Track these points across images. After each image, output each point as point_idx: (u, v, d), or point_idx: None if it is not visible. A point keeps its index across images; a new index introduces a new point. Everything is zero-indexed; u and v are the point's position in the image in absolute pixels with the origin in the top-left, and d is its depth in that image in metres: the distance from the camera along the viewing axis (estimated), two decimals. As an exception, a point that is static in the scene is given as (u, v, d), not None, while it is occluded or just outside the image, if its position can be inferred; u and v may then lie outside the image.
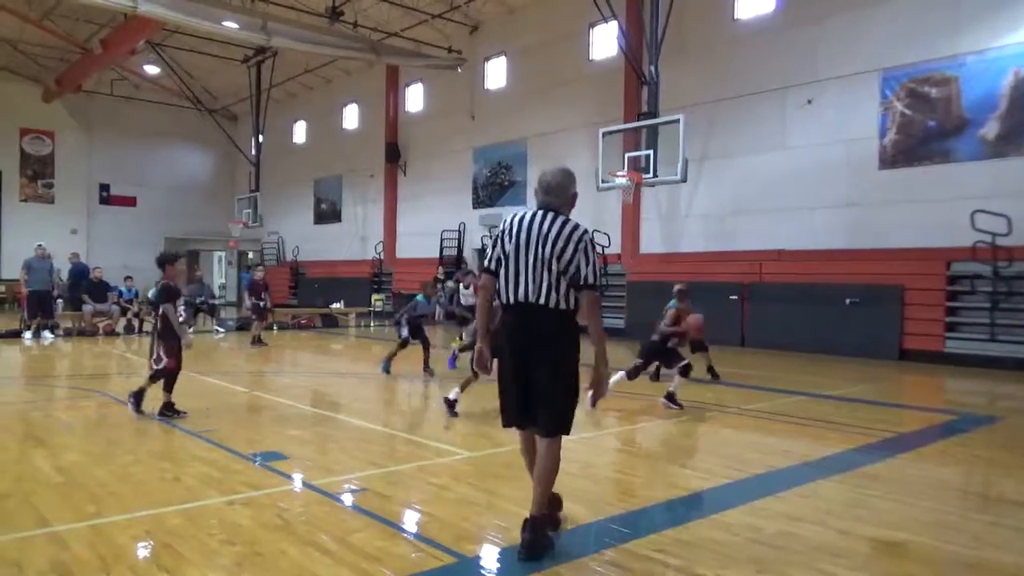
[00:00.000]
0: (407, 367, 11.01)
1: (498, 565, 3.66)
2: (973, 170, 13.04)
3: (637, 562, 3.63)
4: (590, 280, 3.68)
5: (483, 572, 3.60)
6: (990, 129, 12.84)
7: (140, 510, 4.32)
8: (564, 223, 3.74)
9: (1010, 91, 12.61)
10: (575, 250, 3.67)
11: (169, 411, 7.12)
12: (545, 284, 3.66)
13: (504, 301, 3.77)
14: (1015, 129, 12.56)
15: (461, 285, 16.12)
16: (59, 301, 17.53)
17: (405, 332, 10.25)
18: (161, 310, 7.01)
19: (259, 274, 15.71)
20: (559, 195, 3.86)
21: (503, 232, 3.81)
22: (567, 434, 3.78)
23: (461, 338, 15.05)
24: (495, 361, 3.87)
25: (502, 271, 3.77)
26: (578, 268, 3.66)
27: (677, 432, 7.00)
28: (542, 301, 3.66)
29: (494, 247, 3.82)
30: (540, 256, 3.66)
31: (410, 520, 4.32)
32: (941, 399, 10.06)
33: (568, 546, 3.85)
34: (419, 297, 10.47)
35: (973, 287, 12.62)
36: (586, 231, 3.78)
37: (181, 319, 7.24)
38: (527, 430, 3.86)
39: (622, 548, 3.81)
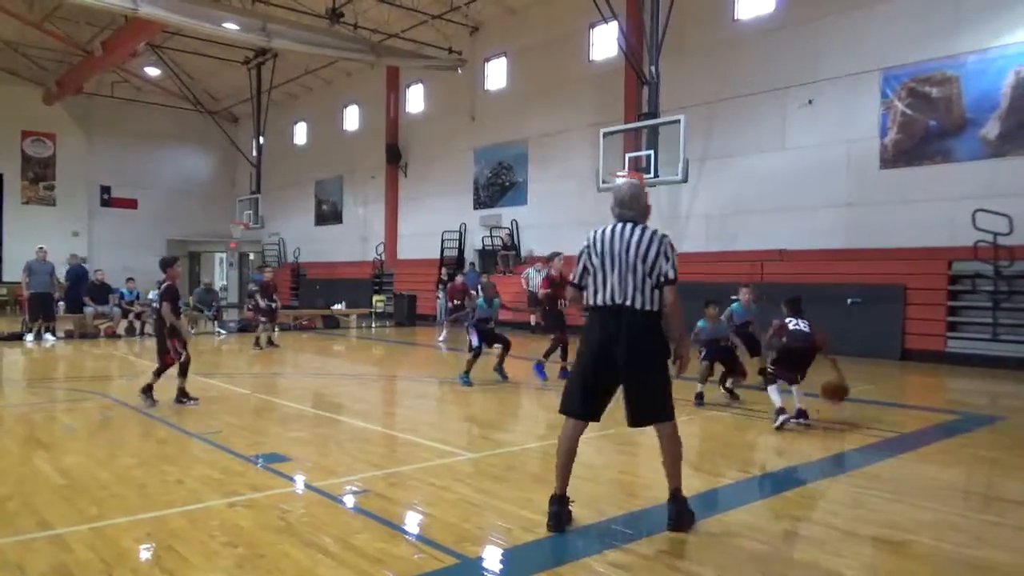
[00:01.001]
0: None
1: (500, 566, 3.66)
2: (974, 169, 13.03)
3: (639, 562, 3.63)
4: (671, 276, 4.05)
5: (485, 573, 3.60)
6: (991, 129, 12.83)
7: (142, 512, 4.32)
8: (643, 230, 4.12)
9: (1011, 90, 12.59)
10: (657, 251, 4.05)
11: (185, 396, 7.93)
12: (631, 287, 4.02)
13: (596, 304, 4.10)
14: (1016, 128, 12.54)
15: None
16: (60, 304, 17.54)
17: (476, 340, 9.77)
18: (164, 308, 7.76)
19: (268, 275, 15.58)
20: (633, 206, 4.22)
21: (589, 247, 4.17)
22: (673, 417, 4.12)
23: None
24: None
25: (590, 280, 4.14)
26: (660, 267, 4.04)
27: (679, 432, 6.99)
28: (637, 304, 4.01)
29: (579, 262, 4.20)
30: (626, 262, 4.04)
31: (412, 521, 4.32)
32: (943, 399, 10.05)
33: (571, 546, 3.85)
34: (479, 301, 10.22)
35: (975, 286, 12.61)
36: (665, 235, 4.15)
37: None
38: (585, 422, 4.15)
39: (625, 549, 3.81)
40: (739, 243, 16.22)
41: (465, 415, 8.36)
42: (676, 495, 4.09)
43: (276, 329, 16.08)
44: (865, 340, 13.50)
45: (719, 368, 8.82)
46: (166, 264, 8.12)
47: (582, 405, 4.11)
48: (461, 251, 23.00)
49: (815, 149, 15.08)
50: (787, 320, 7.57)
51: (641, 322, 4.01)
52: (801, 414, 7.05)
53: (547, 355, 10.13)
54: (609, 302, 4.04)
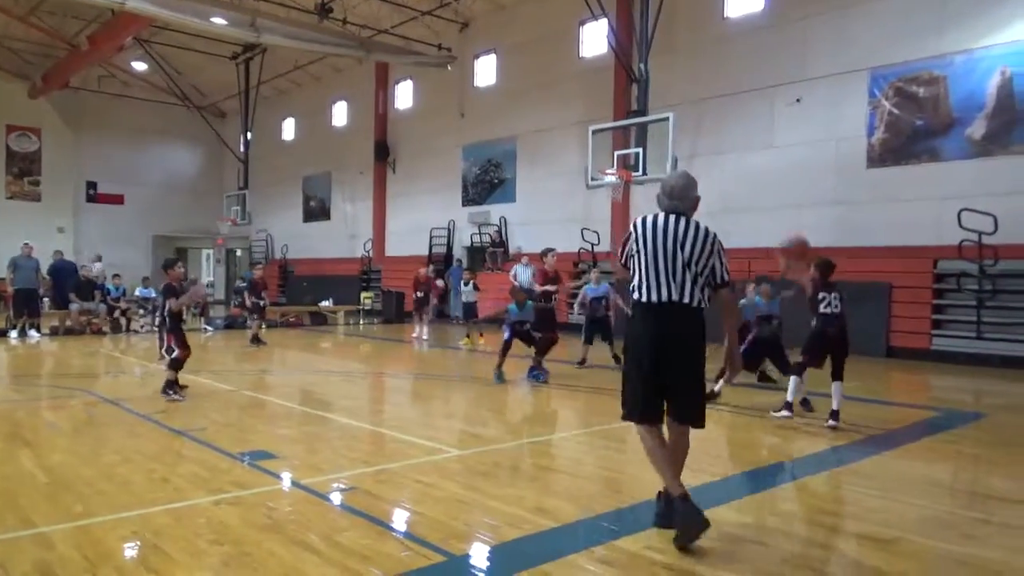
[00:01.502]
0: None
1: (488, 563, 3.65)
2: (960, 169, 13.12)
3: (626, 559, 3.63)
4: (726, 279, 4.01)
5: (473, 571, 3.59)
6: (977, 128, 12.92)
7: (127, 510, 4.28)
8: (697, 227, 3.99)
9: (997, 90, 12.69)
10: (711, 252, 3.97)
11: (171, 389, 8.12)
12: (687, 285, 3.90)
13: (643, 301, 3.96)
14: (1001, 128, 12.64)
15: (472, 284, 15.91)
16: (45, 300, 17.38)
17: (507, 334, 9.82)
18: (167, 306, 8.20)
19: (258, 272, 15.56)
20: (684, 199, 4.08)
21: (635, 234, 4.03)
22: (704, 424, 4.07)
23: (468, 336, 15.03)
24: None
25: (640, 272, 3.98)
26: (714, 269, 3.97)
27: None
28: (685, 300, 3.90)
29: (626, 246, 4.13)
30: (679, 259, 3.90)
31: (399, 519, 4.31)
32: (928, 396, 10.13)
33: (557, 544, 3.85)
34: (511, 307, 9.99)
35: (960, 285, 12.71)
36: (716, 234, 4.06)
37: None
38: (654, 425, 4.00)
39: (611, 545, 3.82)
40: (728, 241, 16.11)
41: (453, 412, 8.35)
42: (674, 497, 3.93)
43: (263, 325, 16.00)
44: (851, 337, 13.55)
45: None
46: (167, 266, 8.64)
47: (645, 408, 3.98)
48: (449, 248, 22.98)
49: (803, 147, 15.15)
50: (819, 297, 7.34)
51: (692, 320, 3.94)
52: (805, 403, 7.44)
53: (541, 356, 9.93)
54: (662, 299, 3.90)
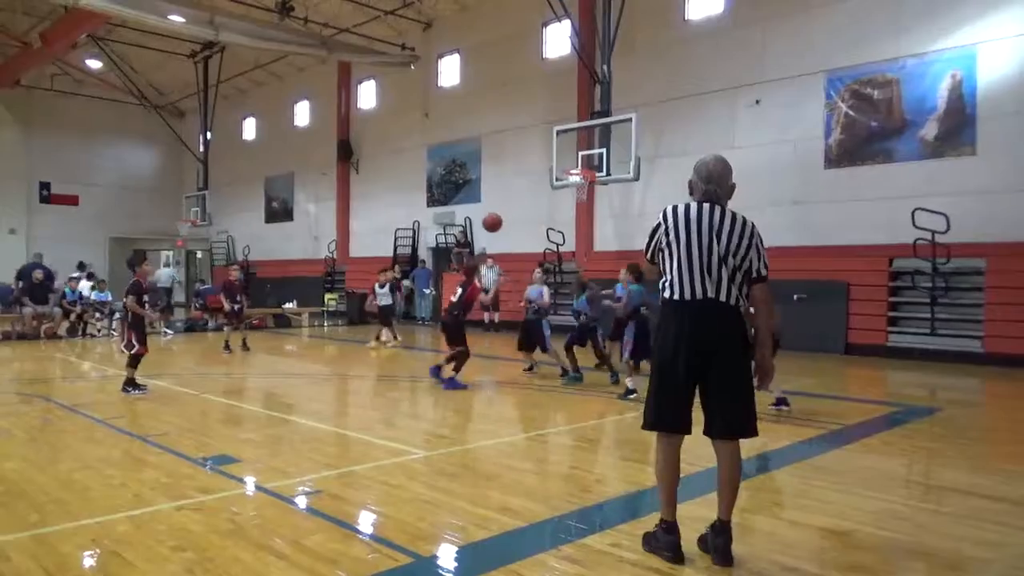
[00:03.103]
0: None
1: (455, 564, 3.66)
2: (913, 170, 13.46)
3: (594, 557, 3.67)
4: (763, 273, 3.69)
5: (440, 571, 3.59)
6: (929, 130, 13.27)
7: (85, 518, 4.20)
8: (734, 218, 3.68)
9: (947, 93, 13.05)
10: (749, 245, 3.65)
11: (132, 386, 8.41)
12: (725, 280, 3.58)
13: (675, 299, 3.60)
14: (952, 130, 13.00)
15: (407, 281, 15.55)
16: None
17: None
18: (128, 300, 8.46)
19: (234, 274, 14.69)
20: (722, 185, 3.75)
21: (666, 227, 3.67)
22: (757, 433, 3.71)
23: (379, 338, 14.79)
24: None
25: (672, 267, 3.62)
26: (751, 262, 3.65)
27: (631, 428, 7.07)
28: (723, 298, 3.57)
29: (653, 238, 3.75)
30: (716, 252, 3.57)
31: (365, 521, 4.29)
32: (885, 392, 10.37)
33: (526, 543, 3.87)
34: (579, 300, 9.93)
35: (914, 283, 13.05)
36: (754, 224, 3.76)
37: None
38: (680, 434, 3.67)
39: (579, 543, 3.85)
40: (690, 241, 16.44)
41: (419, 414, 8.33)
42: (726, 526, 3.62)
43: (225, 328, 15.56)
44: (810, 335, 13.84)
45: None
46: (133, 264, 8.88)
47: (674, 416, 3.62)
48: (415, 249, 22.88)
49: (763, 148, 15.39)
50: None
51: (733, 319, 3.60)
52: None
53: (452, 364, 9.44)
54: (697, 297, 3.55)
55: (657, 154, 16.71)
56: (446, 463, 5.57)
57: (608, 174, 14.73)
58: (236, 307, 13.93)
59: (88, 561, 3.62)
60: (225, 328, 14.22)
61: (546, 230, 18.16)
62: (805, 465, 5.57)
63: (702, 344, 3.55)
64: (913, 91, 13.44)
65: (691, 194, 3.80)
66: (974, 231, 12.45)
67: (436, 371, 9.55)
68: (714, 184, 3.72)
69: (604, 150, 14.72)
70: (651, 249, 3.79)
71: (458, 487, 4.90)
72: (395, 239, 23.05)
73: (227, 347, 13.61)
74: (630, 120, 13.96)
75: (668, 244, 3.64)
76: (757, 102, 15.44)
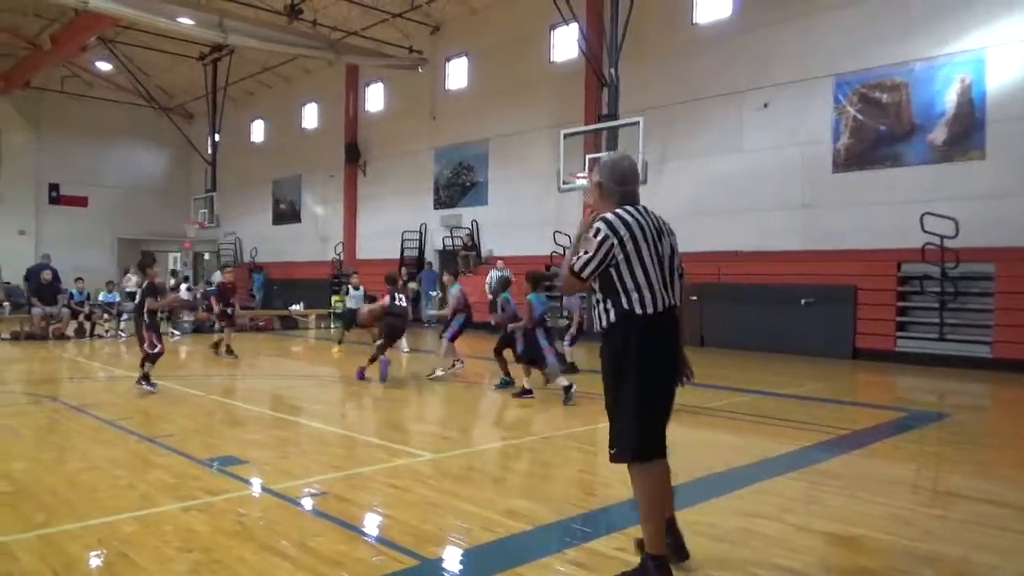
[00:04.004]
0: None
1: (460, 567, 3.65)
2: (922, 174, 13.42)
3: (599, 560, 3.66)
4: (683, 268, 3.59)
5: (445, 574, 3.59)
6: (938, 134, 13.23)
7: (92, 518, 4.21)
8: (660, 217, 3.51)
9: (956, 97, 13.01)
10: (675, 240, 3.54)
11: (147, 381, 8.71)
12: (675, 285, 3.45)
13: (646, 313, 3.30)
14: (961, 134, 12.96)
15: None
16: (6, 304, 17.00)
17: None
18: (149, 301, 8.70)
19: (227, 276, 14.42)
20: (638, 183, 3.54)
21: (618, 237, 3.29)
22: None
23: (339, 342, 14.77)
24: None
25: (633, 279, 3.30)
26: (679, 257, 3.55)
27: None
28: (676, 301, 3.42)
29: (605, 254, 3.30)
30: (666, 255, 3.42)
31: (371, 523, 4.29)
32: (892, 397, 10.32)
33: (531, 546, 3.86)
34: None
35: (922, 288, 12.99)
36: None
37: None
38: (663, 459, 3.41)
39: (583, 547, 3.84)
40: (696, 244, 16.40)
41: (425, 416, 8.34)
42: (674, 524, 3.58)
43: (229, 332, 15.49)
44: (817, 339, 13.83)
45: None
46: (145, 265, 9.17)
47: (661, 437, 3.39)
48: (421, 251, 22.91)
49: (771, 152, 15.37)
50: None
51: (677, 324, 3.44)
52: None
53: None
54: (663, 306, 3.34)
55: (665, 157, 16.69)
56: (452, 466, 5.57)
57: (615, 177, 14.70)
58: (228, 310, 13.65)
59: (95, 561, 3.63)
60: (217, 330, 13.97)
61: (553, 233, 18.17)
62: (812, 470, 5.54)
63: (672, 356, 3.40)
64: (922, 95, 13.40)
65: (599, 198, 3.52)
66: (983, 236, 12.39)
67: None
68: (630, 184, 3.48)
69: (611, 153, 14.71)
70: (599, 266, 3.32)
71: (464, 490, 4.89)
72: (402, 241, 23.08)
73: (216, 349, 13.34)
74: (637, 123, 13.96)
75: (626, 257, 3.30)
76: (765, 105, 15.42)
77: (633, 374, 3.29)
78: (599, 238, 3.30)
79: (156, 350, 8.73)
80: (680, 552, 3.56)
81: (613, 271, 3.32)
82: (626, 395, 3.31)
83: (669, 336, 3.37)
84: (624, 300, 3.32)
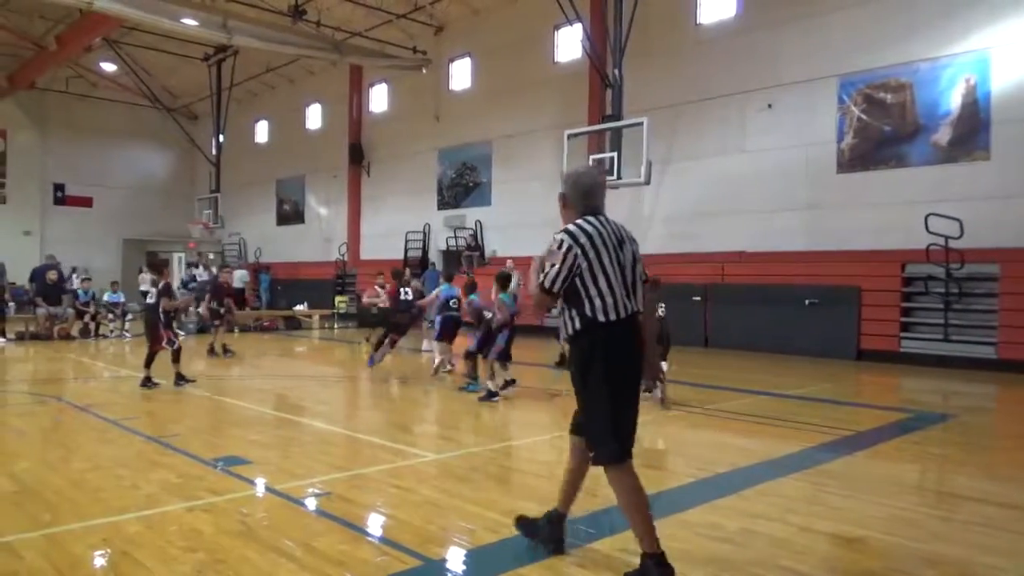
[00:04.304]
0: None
1: (464, 567, 3.66)
2: (926, 174, 13.39)
3: (602, 561, 3.66)
4: (646, 275, 3.67)
5: (449, 575, 3.59)
6: (943, 135, 13.20)
7: (97, 518, 4.22)
8: (620, 225, 3.60)
9: (961, 98, 12.97)
10: (638, 248, 3.63)
11: (183, 380, 9.20)
12: (638, 291, 3.53)
13: (615, 318, 3.38)
14: (966, 135, 12.92)
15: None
16: (11, 305, 17.06)
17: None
18: (164, 301, 9.07)
19: (225, 275, 14.46)
20: (602, 197, 3.64)
21: (581, 247, 3.38)
22: None
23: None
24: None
25: (597, 288, 3.38)
26: (642, 265, 3.63)
27: (640, 432, 7.05)
28: (639, 309, 3.51)
29: (570, 265, 3.37)
30: (628, 263, 3.50)
31: (375, 524, 4.30)
32: (897, 398, 10.30)
33: (533, 547, 3.86)
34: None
35: (927, 288, 12.95)
36: None
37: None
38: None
39: (587, 547, 3.84)
40: (700, 245, 16.43)
41: (428, 416, 8.34)
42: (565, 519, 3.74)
43: (236, 330, 15.58)
44: (822, 340, 13.81)
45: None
46: (159, 267, 9.66)
47: (632, 439, 3.49)
48: (425, 252, 22.92)
49: (775, 153, 15.35)
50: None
51: (639, 330, 3.51)
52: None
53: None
54: (626, 313, 3.41)
55: (669, 158, 16.69)
56: (455, 466, 5.57)
57: (619, 178, 14.71)
58: (222, 309, 13.65)
59: (99, 561, 3.64)
60: (212, 330, 13.89)
61: (555, 234, 18.15)
62: (815, 471, 5.53)
63: (638, 359, 3.48)
64: (927, 95, 13.37)
65: (563, 209, 3.63)
66: (988, 236, 12.37)
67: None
68: (593, 199, 3.59)
69: (615, 154, 14.71)
70: (568, 276, 3.39)
71: (467, 490, 4.90)
72: (406, 242, 23.10)
73: (225, 350, 13.32)
74: (641, 124, 13.95)
75: (589, 265, 3.38)
76: (769, 106, 15.41)
77: (601, 380, 3.38)
78: (563, 249, 3.39)
79: (176, 346, 9.25)
80: (558, 545, 3.70)
81: (577, 280, 3.41)
82: (597, 400, 3.42)
83: (633, 341, 3.45)
84: (588, 308, 3.40)
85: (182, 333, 17.58)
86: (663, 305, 8.81)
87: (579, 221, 3.49)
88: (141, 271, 22.62)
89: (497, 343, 8.79)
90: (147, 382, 9.02)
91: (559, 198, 3.67)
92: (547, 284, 3.42)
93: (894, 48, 13.72)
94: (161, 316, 9.12)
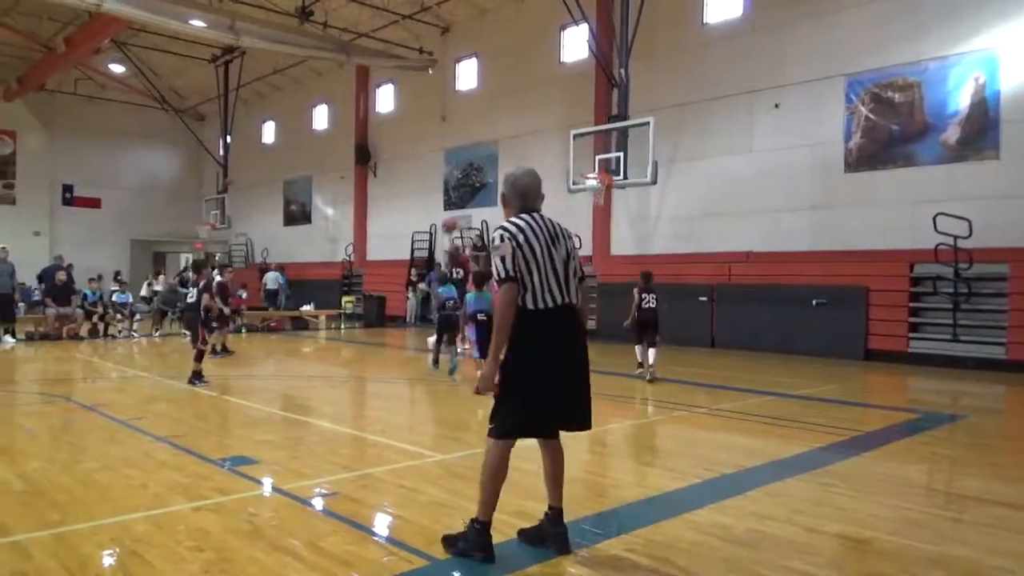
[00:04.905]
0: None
1: (470, 567, 3.66)
2: (935, 174, 13.32)
3: (609, 562, 3.66)
4: (585, 273, 3.95)
5: (454, 574, 3.59)
6: (951, 134, 13.13)
7: (105, 517, 4.24)
8: (558, 224, 3.88)
9: (970, 97, 12.91)
10: (575, 246, 3.92)
11: (197, 379, 9.42)
12: (571, 284, 3.78)
13: (536, 308, 3.65)
14: (975, 134, 12.85)
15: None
16: (21, 305, 17.14)
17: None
18: (205, 299, 9.51)
19: (228, 275, 14.54)
20: (536, 198, 3.93)
21: (516, 241, 3.65)
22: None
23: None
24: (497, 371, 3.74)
25: (531, 279, 3.65)
26: (579, 263, 3.89)
27: (647, 433, 7.06)
28: (571, 300, 3.77)
29: (508, 257, 3.62)
30: (560, 257, 3.75)
31: (381, 523, 4.31)
32: (905, 398, 10.26)
33: (540, 547, 3.86)
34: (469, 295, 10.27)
35: (935, 288, 12.89)
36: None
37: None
38: (546, 437, 3.85)
39: (594, 548, 3.84)
40: (707, 245, 16.39)
41: (435, 416, 8.35)
42: (561, 514, 3.87)
43: (244, 330, 15.62)
44: (829, 340, 13.76)
45: None
46: (199, 266, 10.16)
47: (543, 420, 3.74)
48: (431, 252, 22.94)
49: (781, 152, 15.30)
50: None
51: (580, 320, 3.82)
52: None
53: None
54: (555, 302, 3.68)
55: (675, 158, 16.66)
56: (461, 466, 5.57)
57: (625, 178, 14.70)
58: (227, 310, 13.50)
59: (108, 560, 3.65)
60: (215, 332, 13.91)
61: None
62: (823, 472, 5.51)
63: (561, 346, 3.71)
64: (935, 94, 13.31)
65: (503, 207, 3.96)
66: (997, 236, 12.29)
67: None
68: (530, 199, 3.88)
69: (621, 154, 14.69)
70: (514, 262, 3.63)
71: (473, 490, 4.86)
72: (412, 242, 23.13)
73: (224, 350, 13.31)
74: (647, 124, 13.92)
75: (525, 259, 3.65)
76: (776, 106, 15.36)
77: (517, 363, 3.65)
78: (503, 241, 3.68)
79: (204, 346, 9.70)
80: (562, 544, 3.78)
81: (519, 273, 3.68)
82: (508, 380, 3.67)
83: (560, 331, 3.71)
84: (526, 295, 3.68)
85: (188, 334, 17.69)
86: (654, 296, 10.51)
87: (512, 218, 3.79)
88: (160, 274, 22.73)
89: (472, 339, 9.28)
90: (197, 377, 9.38)
91: (500, 197, 4.04)
92: (502, 274, 3.64)
93: (902, 47, 13.67)
94: (202, 314, 9.48)
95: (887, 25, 13.87)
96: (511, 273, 3.63)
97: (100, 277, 18.03)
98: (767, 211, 15.50)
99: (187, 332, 10.70)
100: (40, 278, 17.48)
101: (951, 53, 13.12)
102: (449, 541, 3.78)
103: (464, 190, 22.45)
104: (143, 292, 21.37)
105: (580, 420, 3.84)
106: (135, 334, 17.32)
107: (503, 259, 3.64)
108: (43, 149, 29.77)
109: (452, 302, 11.01)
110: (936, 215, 12.54)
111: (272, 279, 23.98)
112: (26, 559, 3.62)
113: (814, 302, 14.00)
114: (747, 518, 4.36)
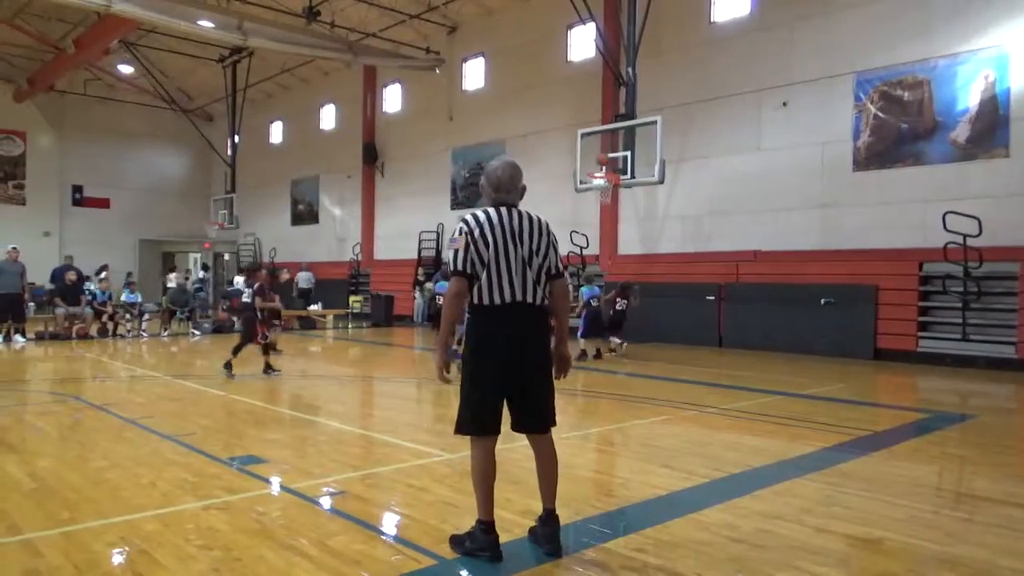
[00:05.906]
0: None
1: (478, 567, 3.65)
2: (944, 172, 13.25)
3: (617, 561, 3.65)
4: (561, 268, 3.84)
5: (463, 574, 3.59)
6: (961, 132, 13.06)
7: (115, 516, 4.26)
8: (530, 218, 3.78)
9: (980, 95, 12.83)
10: (548, 243, 3.78)
11: (271, 369, 10.49)
12: (531, 282, 3.69)
13: (488, 304, 3.64)
14: (984, 132, 12.78)
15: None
16: (31, 305, 17.25)
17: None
18: (257, 300, 10.37)
19: (285, 276, 14.64)
20: (511, 191, 3.84)
21: (472, 234, 3.63)
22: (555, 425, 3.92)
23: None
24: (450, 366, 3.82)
25: (484, 274, 3.62)
26: (551, 259, 3.78)
27: (655, 432, 7.04)
28: (530, 299, 3.69)
29: (463, 251, 3.62)
30: (520, 254, 3.67)
31: (389, 523, 4.31)
32: (915, 398, 10.21)
33: (539, 547, 3.85)
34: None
35: (945, 287, 12.82)
36: (548, 223, 3.88)
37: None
38: (495, 436, 3.78)
39: (602, 548, 3.83)
40: (715, 244, 16.36)
41: (442, 415, 8.34)
42: (552, 515, 3.82)
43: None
44: (838, 340, 13.71)
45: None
46: (255, 269, 11.10)
47: (492, 418, 3.71)
48: (438, 251, 22.97)
49: (790, 151, 15.25)
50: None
51: (539, 320, 3.73)
52: None
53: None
54: (508, 299, 3.62)
55: (683, 157, 16.62)
56: (469, 466, 5.56)
57: (632, 177, 14.67)
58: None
59: (117, 558, 3.67)
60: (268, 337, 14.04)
61: (570, 233, 18.14)
62: (832, 471, 5.49)
63: (514, 343, 3.66)
64: (944, 92, 13.23)
65: (482, 198, 3.91)
66: (1007, 235, 12.23)
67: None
68: (503, 192, 3.80)
69: (629, 153, 14.66)
70: (467, 256, 3.60)
71: (481, 490, 4.89)
72: (419, 242, 23.15)
73: (274, 348, 13.49)
74: (655, 123, 13.89)
75: (478, 252, 3.61)
76: (784, 104, 15.31)
77: (470, 359, 3.70)
78: (460, 235, 3.66)
79: (268, 340, 10.55)
80: (554, 544, 3.73)
81: (475, 268, 3.64)
82: (465, 376, 3.72)
83: (514, 329, 3.65)
84: (475, 291, 3.65)
85: (197, 333, 17.78)
86: (626, 302, 13.05)
87: (476, 211, 3.74)
88: (172, 271, 22.69)
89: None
90: (228, 368, 10.24)
91: (480, 188, 3.96)
92: (453, 268, 3.64)
93: (911, 45, 13.60)
94: (258, 314, 10.36)
95: (896, 22, 13.80)
96: (460, 267, 3.60)
97: (106, 267, 18.12)
98: (775, 210, 15.45)
99: (239, 331, 11.72)
100: (52, 278, 17.60)
101: (961, 50, 13.05)
102: (456, 541, 3.78)
103: (471, 189, 22.45)
104: (170, 284, 20.95)
105: (532, 421, 3.80)
106: (144, 334, 17.39)
107: (456, 252, 3.63)
108: (53, 150, 29.94)
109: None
110: (945, 214, 12.47)
111: (305, 279, 24.32)
112: (36, 557, 3.64)
113: (823, 301, 13.95)
114: (756, 518, 4.35)
